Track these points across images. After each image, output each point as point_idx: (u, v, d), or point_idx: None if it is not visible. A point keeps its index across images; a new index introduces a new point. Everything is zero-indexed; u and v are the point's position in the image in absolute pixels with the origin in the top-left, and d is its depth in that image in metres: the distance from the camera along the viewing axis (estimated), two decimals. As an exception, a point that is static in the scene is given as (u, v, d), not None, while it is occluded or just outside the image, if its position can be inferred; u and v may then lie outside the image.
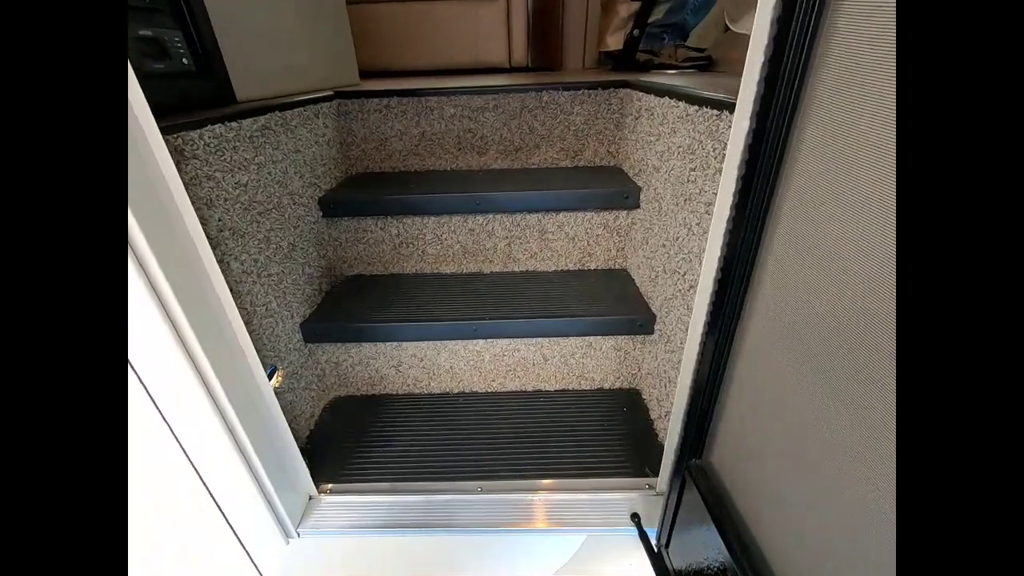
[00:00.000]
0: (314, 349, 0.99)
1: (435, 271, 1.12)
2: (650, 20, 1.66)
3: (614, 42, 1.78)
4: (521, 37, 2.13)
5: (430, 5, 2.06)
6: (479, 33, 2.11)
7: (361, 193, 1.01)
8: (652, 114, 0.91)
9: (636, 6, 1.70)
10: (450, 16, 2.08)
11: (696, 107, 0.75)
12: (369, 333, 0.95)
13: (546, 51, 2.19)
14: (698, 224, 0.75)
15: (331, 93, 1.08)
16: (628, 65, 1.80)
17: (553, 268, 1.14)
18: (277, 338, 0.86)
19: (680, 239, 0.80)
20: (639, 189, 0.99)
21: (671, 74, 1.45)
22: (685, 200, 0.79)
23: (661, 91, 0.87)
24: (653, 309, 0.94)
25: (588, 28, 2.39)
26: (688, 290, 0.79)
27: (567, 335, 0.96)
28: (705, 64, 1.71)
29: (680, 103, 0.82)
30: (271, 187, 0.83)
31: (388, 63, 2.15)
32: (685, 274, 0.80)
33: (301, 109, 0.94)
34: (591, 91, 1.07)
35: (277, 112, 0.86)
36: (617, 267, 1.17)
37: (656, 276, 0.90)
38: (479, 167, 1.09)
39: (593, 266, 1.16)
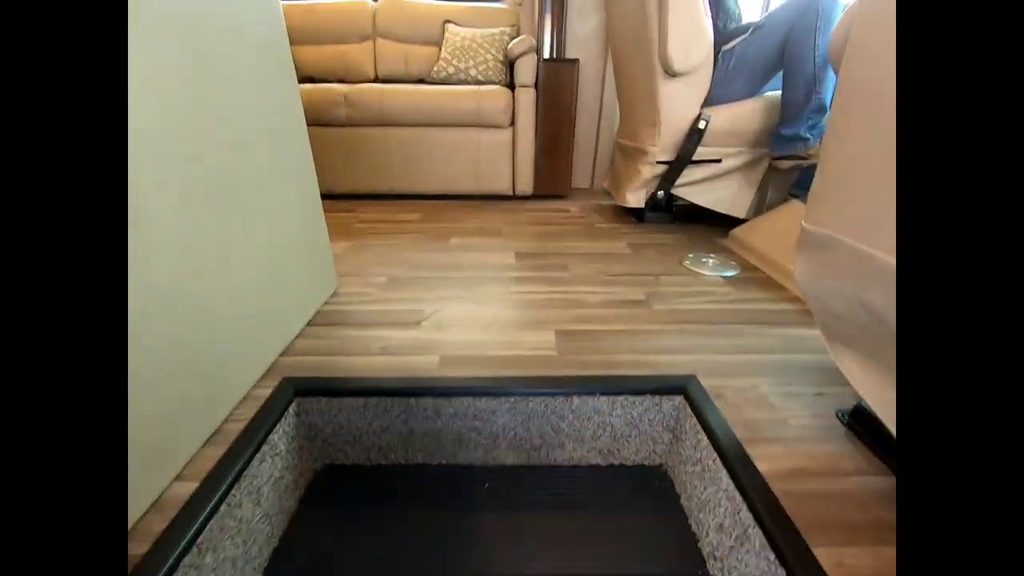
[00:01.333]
0: None
1: None
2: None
3: (635, 200, 1.58)
4: (527, 165, 1.93)
5: (426, 131, 1.85)
6: (480, 160, 1.90)
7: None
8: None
9: (661, 168, 1.50)
10: (449, 142, 1.87)
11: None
12: None
13: (553, 177, 1.99)
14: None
15: (286, 391, 0.71)
16: (655, 217, 1.61)
17: None
18: None
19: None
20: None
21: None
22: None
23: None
24: None
25: (599, 150, 2.22)
26: None
27: None
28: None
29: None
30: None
31: (387, 186, 1.92)
32: None
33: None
34: (637, 397, 0.79)
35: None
36: None
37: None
38: (484, 462, 0.76)
39: None
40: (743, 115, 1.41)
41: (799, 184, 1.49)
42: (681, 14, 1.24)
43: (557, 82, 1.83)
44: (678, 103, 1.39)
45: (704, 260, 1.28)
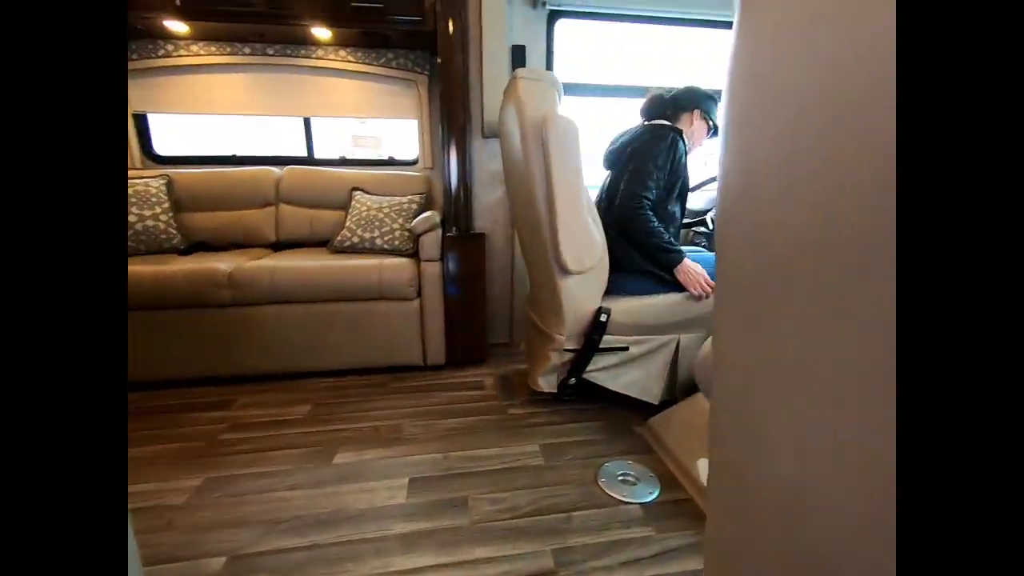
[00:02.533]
0: None
1: None
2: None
3: (546, 385, 1.49)
4: (438, 335, 1.82)
5: (325, 305, 1.71)
6: (388, 332, 1.77)
7: None
8: None
9: (570, 355, 1.44)
10: (352, 315, 1.73)
11: None
12: None
13: (467, 345, 1.89)
14: None
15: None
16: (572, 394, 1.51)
17: None
18: None
19: None
20: None
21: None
22: None
23: None
24: None
25: (515, 307, 2.19)
26: None
27: None
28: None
29: None
30: None
31: (281, 366, 1.69)
32: None
33: None
34: None
35: None
36: None
37: None
38: None
39: None
40: (643, 308, 1.42)
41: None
42: (569, 222, 1.27)
43: (464, 254, 1.81)
44: (578, 296, 1.37)
45: (621, 476, 1.16)
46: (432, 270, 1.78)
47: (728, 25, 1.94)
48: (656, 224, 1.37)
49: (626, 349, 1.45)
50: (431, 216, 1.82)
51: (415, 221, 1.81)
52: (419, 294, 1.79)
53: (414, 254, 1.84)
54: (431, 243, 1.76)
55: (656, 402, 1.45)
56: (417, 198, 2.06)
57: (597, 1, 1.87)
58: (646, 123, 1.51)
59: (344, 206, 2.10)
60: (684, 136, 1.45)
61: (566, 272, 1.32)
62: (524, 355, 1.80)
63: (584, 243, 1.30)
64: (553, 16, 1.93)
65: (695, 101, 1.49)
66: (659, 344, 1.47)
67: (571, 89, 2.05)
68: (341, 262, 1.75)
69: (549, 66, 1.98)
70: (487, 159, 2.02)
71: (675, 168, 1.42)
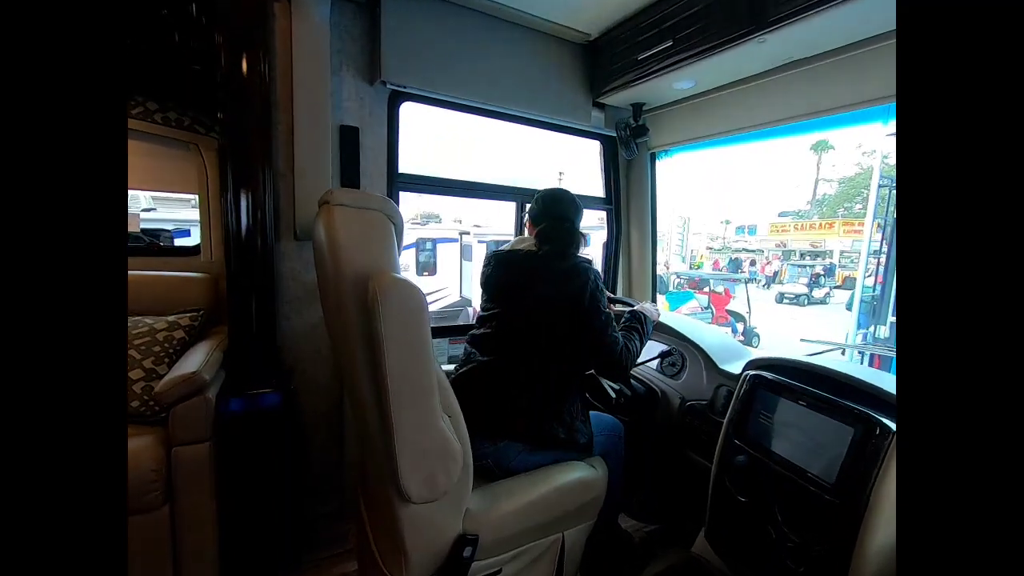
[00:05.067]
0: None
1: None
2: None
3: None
4: (208, 563, 1.13)
5: None
6: None
7: None
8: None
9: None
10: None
11: None
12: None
13: (266, 557, 1.23)
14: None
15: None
16: None
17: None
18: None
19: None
20: None
21: None
22: None
23: None
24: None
25: (345, 469, 1.60)
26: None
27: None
28: None
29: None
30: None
31: None
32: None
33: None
34: None
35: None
36: None
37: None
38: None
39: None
40: (526, 509, 1.04)
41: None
42: (413, 437, 0.82)
43: (260, 424, 1.20)
44: (428, 526, 0.92)
45: None
46: (195, 456, 1.11)
47: (582, 133, 1.79)
48: (622, 343, 1.15)
49: (498, 572, 1.04)
50: (201, 360, 1.16)
51: (166, 378, 1.13)
52: (169, 498, 1.10)
53: (166, 422, 1.14)
54: (194, 416, 1.11)
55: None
56: (188, 318, 1.38)
57: (448, 89, 1.56)
58: (549, 251, 1.17)
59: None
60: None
61: (409, 501, 0.86)
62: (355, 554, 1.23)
63: (437, 461, 0.86)
64: (396, 98, 1.55)
65: (574, 211, 1.25)
66: (541, 551, 1.10)
67: (419, 184, 1.67)
68: None
69: (391, 158, 1.57)
70: (303, 269, 1.47)
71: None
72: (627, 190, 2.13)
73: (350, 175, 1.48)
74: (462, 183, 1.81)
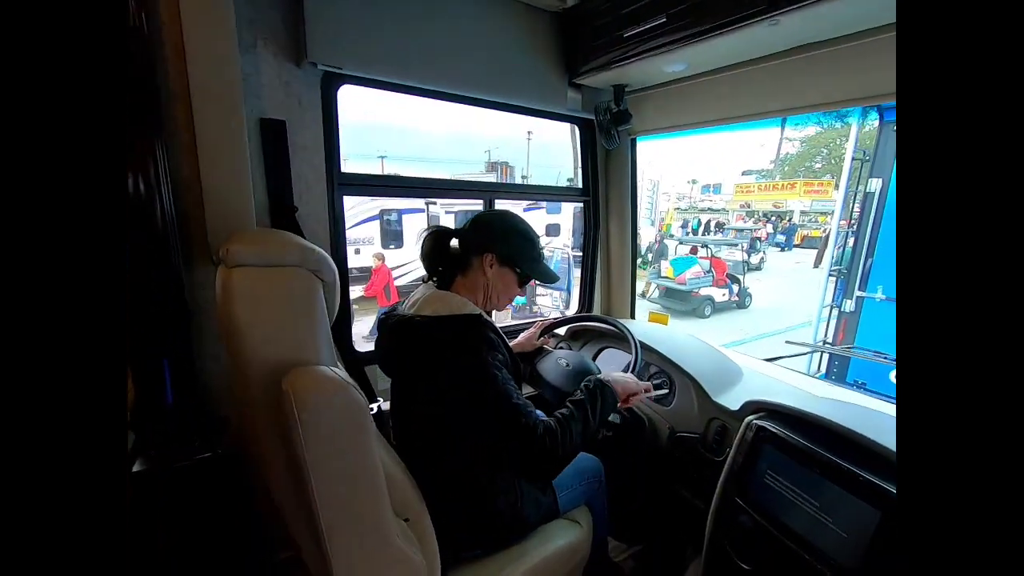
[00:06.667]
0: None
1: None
2: None
3: None
4: None
5: None
6: None
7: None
8: None
9: None
10: None
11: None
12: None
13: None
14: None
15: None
16: None
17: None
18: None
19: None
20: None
21: None
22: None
23: None
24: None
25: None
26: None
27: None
28: None
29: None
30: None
31: None
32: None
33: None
34: None
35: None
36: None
37: None
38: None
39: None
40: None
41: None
42: (355, 567, 0.65)
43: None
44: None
45: None
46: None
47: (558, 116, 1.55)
48: (555, 435, 0.82)
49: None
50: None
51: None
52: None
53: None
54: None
55: None
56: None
57: (394, 70, 1.27)
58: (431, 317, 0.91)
59: None
60: (483, 313, 0.95)
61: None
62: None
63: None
64: (331, 81, 1.26)
65: (491, 239, 1.01)
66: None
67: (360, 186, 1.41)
68: None
69: (330, 154, 1.29)
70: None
71: (506, 353, 0.94)
72: (606, 179, 1.92)
73: (278, 183, 1.21)
74: (419, 180, 1.55)
